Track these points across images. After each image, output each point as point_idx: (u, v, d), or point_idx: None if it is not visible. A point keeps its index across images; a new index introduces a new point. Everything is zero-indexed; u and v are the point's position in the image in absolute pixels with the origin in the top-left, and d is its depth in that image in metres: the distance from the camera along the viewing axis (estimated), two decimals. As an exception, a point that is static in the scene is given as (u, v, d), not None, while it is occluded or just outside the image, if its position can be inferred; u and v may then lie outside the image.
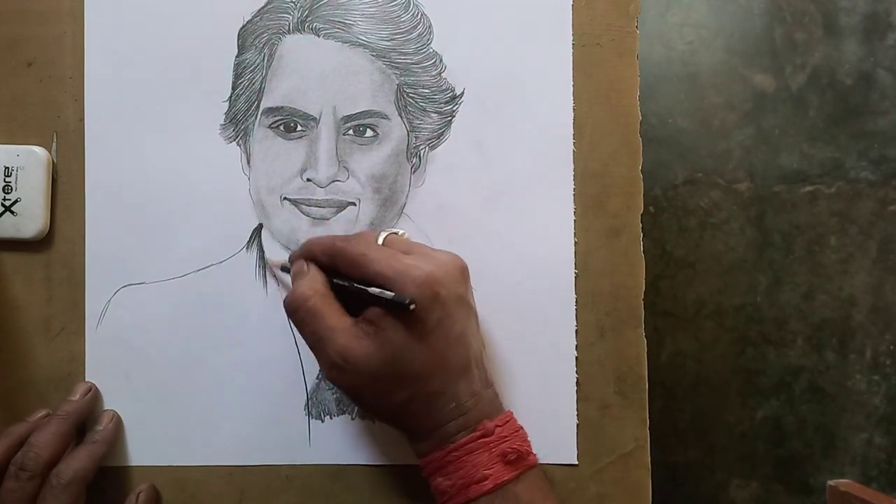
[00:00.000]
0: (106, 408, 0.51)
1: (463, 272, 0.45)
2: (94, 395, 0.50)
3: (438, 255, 0.45)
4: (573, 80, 0.52)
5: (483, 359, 0.46)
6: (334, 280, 0.45)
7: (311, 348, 0.45)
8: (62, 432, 0.47)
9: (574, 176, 0.52)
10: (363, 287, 0.43)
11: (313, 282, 0.45)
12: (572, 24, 0.52)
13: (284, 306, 0.45)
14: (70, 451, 0.47)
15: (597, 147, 0.52)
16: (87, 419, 0.50)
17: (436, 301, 0.42)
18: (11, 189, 0.51)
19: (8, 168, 0.51)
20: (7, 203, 0.51)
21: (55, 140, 0.52)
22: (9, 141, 0.51)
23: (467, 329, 0.45)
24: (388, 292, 0.42)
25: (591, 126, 0.52)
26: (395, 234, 0.48)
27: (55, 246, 0.51)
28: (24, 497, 0.44)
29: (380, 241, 0.46)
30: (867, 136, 0.71)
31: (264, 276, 0.51)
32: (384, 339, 0.42)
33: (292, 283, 0.47)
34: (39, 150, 0.51)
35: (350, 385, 0.44)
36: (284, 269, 0.50)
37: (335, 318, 0.43)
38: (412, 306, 0.41)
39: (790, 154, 0.70)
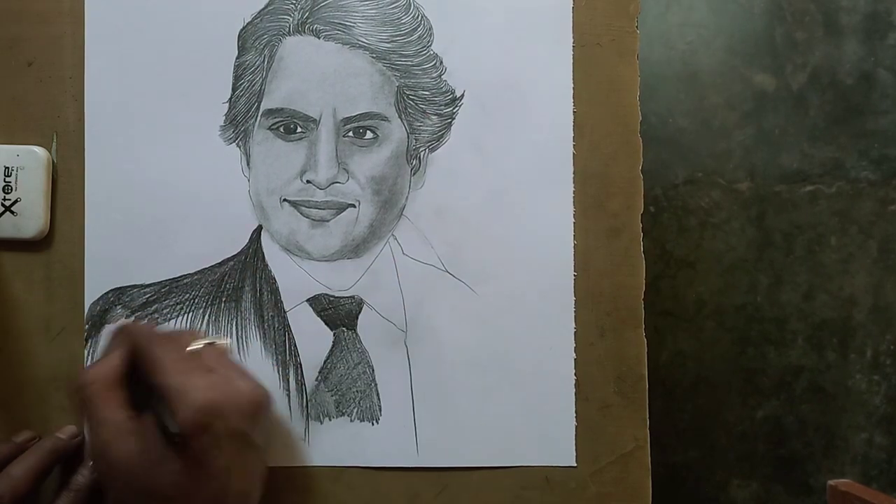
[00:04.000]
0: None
1: (255, 408, 0.44)
2: (81, 442, 0.49)
3: (239, 383, 0.44)
4: (573, 81, 0.52)
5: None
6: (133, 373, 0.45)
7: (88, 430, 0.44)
8: (41, 468, 0.47)
9: (574, 176, 0.52)
10: (148, 393, 0.43)
11: (105, 368, 0.44)
12: (572, 25, 0.52)
13: (72, 384, 0.44)
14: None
15: (597, 147, 0.52)
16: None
17: (206, 431, 0.41)
18: (11, 189, 0.51)
19: (8, 168, 0.51)
20: (7, 203, 0.51)
21: (55, 140, 0.52)
22: (9, 141, 0.51)
23: (234, 466, 0.43)
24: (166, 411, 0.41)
25: (591, 126, 0.52)
26: (214, 344, 0.46)
27: (55, 246, 0.51)
28: None
29: (192, 348, 0.45)
30: (868, 135, 0.71)
31: (263, 277, 0.51)
32: (146, 445, 0.42)
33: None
34: (39, 150, 0.51)
35: (105, 478, 0.44)
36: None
37: (109, 410, 0.43)
38: (176, 435, 0.40)
39: (790, 154, 0.70)
